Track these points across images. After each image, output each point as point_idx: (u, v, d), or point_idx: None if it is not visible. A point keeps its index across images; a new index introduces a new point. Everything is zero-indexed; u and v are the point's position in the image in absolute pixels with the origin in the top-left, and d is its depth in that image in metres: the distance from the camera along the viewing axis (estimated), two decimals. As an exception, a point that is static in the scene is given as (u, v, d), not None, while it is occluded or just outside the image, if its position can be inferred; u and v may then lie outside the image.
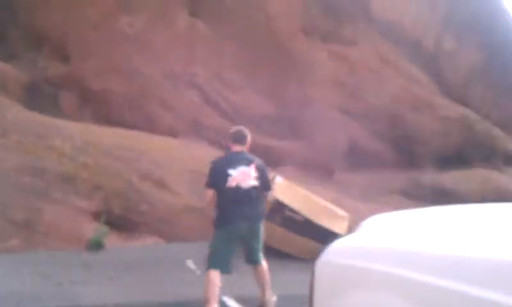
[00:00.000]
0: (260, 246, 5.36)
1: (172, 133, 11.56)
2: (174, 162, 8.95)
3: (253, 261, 5.34)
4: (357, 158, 13.22)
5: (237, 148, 5.47)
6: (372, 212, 8.25)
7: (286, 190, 7.64)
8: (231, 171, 5.21)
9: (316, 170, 12.73)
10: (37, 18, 12.08)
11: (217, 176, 5.25)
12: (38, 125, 8.71)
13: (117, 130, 10.16)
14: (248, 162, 5.30)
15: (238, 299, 5.71)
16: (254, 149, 11.93)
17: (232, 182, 5.16)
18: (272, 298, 5.32)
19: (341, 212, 8.15)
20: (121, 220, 8.35)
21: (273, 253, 7.19)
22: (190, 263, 7.24)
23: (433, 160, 14.18)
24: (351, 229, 7.56)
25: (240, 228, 5.19)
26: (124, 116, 11.67)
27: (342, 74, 13.87)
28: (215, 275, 5.07)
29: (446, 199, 12.83)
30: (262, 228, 5.40)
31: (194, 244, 8.29)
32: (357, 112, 13.81)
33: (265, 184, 5.35)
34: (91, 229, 7.75)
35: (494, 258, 1.53)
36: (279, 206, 7.48)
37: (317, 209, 7.86)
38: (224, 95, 12.60)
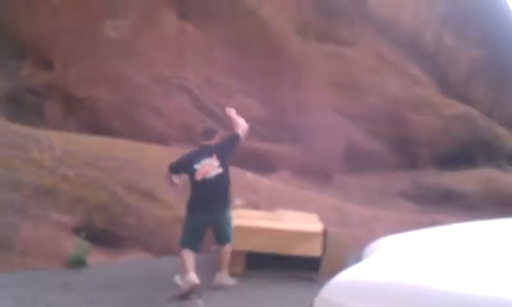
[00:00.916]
0: (228, 230, 6.38)
1: (163, 140, 11.03)
2: (163, 171, 8.35)
3: (220, 243, 6.42)
4: (357, 161, 12.73)
5: (204, 143, 6.48)
6: (375, 217, 7.77)
7: (242, 235, 6.91)
8: (196, 166, 6.20)
9: (314, 175, 12.23)
10: (19, 26, 11.54)
11: (183, 166, 6.37)
12: (15, 136, 8.15)
13: (100, 139, 9.61)
14: (210, 153, 6.26)
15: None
16: (249, 154, 11.51)
17: (198, 176, 6.18)
18: (226, 278, 6.31)
19: (313, 227, 7.27)
20: (105, 235, 7.79)
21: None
22: (178, 279, 6.70)
23: (436, 161, 13.72)
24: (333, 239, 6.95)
25: (203, 218, 6.22)
26: (112, 124, 11.13)
27: (339, 75, 13.37)
28: (187, 254, 6.14)
29: (450, 201, 12.34)
30: (229, 214, 6.43)
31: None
32: (355, 113, 13.33)
33: (230, 151, 6.49)
34: (72, 245, 7.20)
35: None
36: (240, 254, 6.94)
37: (284, 238, 7.02)
38: (217, 100, 12.05)
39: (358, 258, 3.35)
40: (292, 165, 12.26)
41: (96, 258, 7.43)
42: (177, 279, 6.62)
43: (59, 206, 7.59)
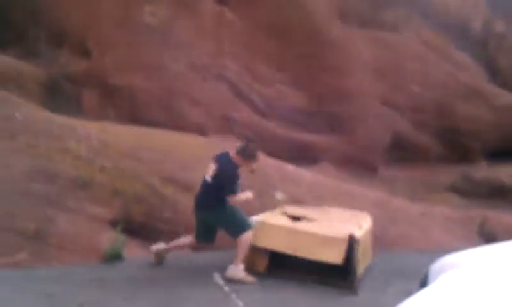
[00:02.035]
0: (227, 226, 6.53)
1: (201, 130, 10.76)
2: (201, 162, 8.02)
3: (205, 241, 6.76)
4: (401, 153, 12.26)
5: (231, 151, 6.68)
6: (423, 213, 7.28)
7: (265, 232, 6.58)
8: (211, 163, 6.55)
9: (357, 167, 11.79)
10: (57, 15, 11.44)
11: None
12: (50, 125, 7.95)
13: (138, 129, 9.37)
14: (214, 160, 6.52)
15: None
16: (289, 145, 11.11)
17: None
18: (238, 271, 6.30)
19: (340, 232, 6.49)
20: (142, 229, 7.54)
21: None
22: (217, 278, 6.40)
23: (486, 153, 13.10)
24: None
25: (195, 210, 6.66)
26: (150, 113, 10.91)
27: (383, 62, 12.88)
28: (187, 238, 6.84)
29: (503, 196, 11.77)
30: (219, 215, 6.48)
31: (223, 253, 7.46)
32: (400, 102, 12.83)
33: (217, 184, 6.37)
34: (109, 239, 6.96)
35: None
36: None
37: (305, 241, 6.43)
38: (256, 88, 11.73)
39: (423, 280, 2.97)
40: (333, 157, 11.85)
41: (132, 251, 7.18)
42: (217, 277, 6.34)
43: (96, 198, 7.36)
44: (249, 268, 6.51)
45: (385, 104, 12.76)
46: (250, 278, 6.31)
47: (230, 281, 6.20)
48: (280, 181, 9.03)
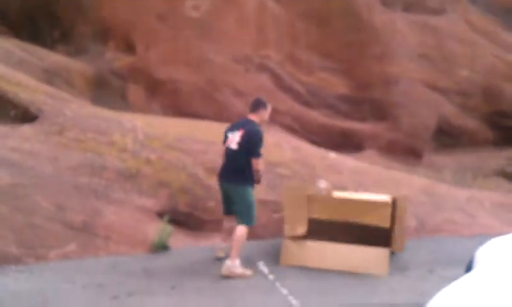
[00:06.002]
0: (241, 210, 6.18)
1: (244, 120, 10.87)
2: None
3: (229, 214, 6.45)
4: (448, 138, 12.08)
5: (248, 115, 6.47)
6: (470, 198, 7.12)
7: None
8: (229, 134, 6.39)
9: (403, 153, 11.67)
10: (102, 12, 11.72)
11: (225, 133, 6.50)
12: (97, 120, 8.17)
13: (182, 121, 9.54)
14: (239, 127, 6.27)
15: None
16: (332, 132, 11.02)
17: (226, 143, 6.39)
18: (235, 266, 5.97)
19: (382, 197, 6.78)
20: (188, 219, 7.67)
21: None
22: (262, 266, 6.48)
23: (536, 137, 12.76)
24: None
25: (221, 183, 6.44)
26: (193, 105, 11.11)
27: (428, 46, 12.67)
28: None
29: (554, 180, 11.44)
30: (242, 192, 6.19)
31: (266, 242, 7.53)
32: (446, 87, 12.60)
33: (248, 149, 6.12)
34: (155, 230, 7.13)
35: None
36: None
37: (354, 207, 6.64)
38: (299, 77, 11.74)
39: (469, 265, 2.95)
40: (378, 144, 11.78)
41: (178, 241, 7.33)
42: (261, 265, 6.42)
43: (142, 189, 7.53)
44: (289, 234, 6.67)
45: (431, 89, 12.57)
46: (249, 272, 6.11)
47: (227, 277, 5.97)
48: (322, 169, 9.02)
